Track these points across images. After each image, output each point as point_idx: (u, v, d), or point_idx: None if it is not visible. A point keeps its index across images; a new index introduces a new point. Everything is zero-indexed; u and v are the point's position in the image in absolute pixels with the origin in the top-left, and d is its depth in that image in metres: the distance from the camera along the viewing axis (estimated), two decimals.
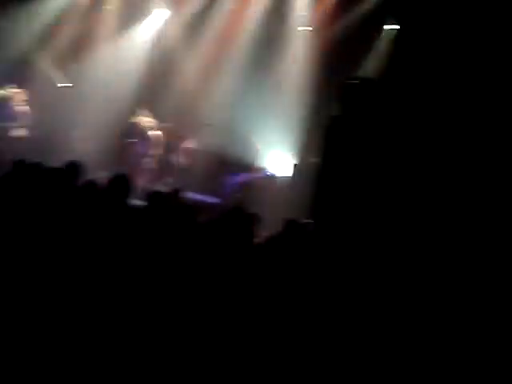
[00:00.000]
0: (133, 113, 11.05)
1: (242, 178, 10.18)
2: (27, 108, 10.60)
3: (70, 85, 11.60)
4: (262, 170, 10.31)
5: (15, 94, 10.53)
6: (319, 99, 9.82)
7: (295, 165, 9.99)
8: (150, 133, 10.85)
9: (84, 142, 11.20)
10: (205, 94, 11.00)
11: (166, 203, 5.22)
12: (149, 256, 4.21)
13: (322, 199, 7.04)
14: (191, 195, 9.42)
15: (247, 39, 11.06)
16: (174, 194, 5.83)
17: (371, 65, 9.91)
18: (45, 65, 11.55)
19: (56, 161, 6.16)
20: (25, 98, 10.60)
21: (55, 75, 11.63)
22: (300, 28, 10.97)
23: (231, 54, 11.13)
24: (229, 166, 10.42)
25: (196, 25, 11.42)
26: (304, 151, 10.06)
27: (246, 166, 10.28)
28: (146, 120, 10.94)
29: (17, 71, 11.02)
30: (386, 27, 10.23)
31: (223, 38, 11.27)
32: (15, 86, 10.57)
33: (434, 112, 7.15)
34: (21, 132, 10.50)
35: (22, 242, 4.12)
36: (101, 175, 8.67)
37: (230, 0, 11.30)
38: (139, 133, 10.87)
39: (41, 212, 4.52)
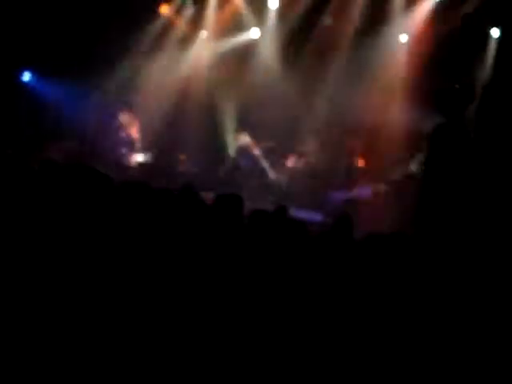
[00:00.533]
0: (235, 132, 11.27)
1: (345, 195, 10.07)
2: (137, 134, 10.95)
3: None
4: (364, 185, 10.16)
5: (129, 119, 10.88)
6: (423, 107, 9.65)
7: (400, 176, 9.84)
8: (254, 151, 11.00)
9: (188, 163, 11.52)
10: (304, 111, 11.07)
11: (270, 221, 5.23)
12: (261, 274, 4.25)
13: (426, 211, 6.86)
14: (295, 213, 9.45)
15: (345, 52, 11.11)
16: (281, 211, 5.82)
17: (478, 70, 9.64)
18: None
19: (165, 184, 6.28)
20: (137, 125, 10.95)
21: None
22: (399, 36, 10.85)
23: (330, 69, 11.18)
24: (331, 183, 10.40)
25: (292, 42, 11.56)
26: (408, 162, 9.88)
27: (349, 182, 10.19)
28: (248, 139, 11.10)
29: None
30: (491, 31, 9.94)
31: (321, 53, 11.32)
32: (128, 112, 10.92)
33: None
34: (137, 158, 10.85)
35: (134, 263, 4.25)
36: (208, 195, 8.88)
37: (327, 16, 11.36)
38: (244, 151, 11.04)
39: (157, 233, 4.66)
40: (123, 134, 10.82)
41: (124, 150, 10.77)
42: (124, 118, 10.83)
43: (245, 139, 11.06)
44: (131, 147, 10.84)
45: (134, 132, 10.90)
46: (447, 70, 9.70)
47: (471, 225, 6.28)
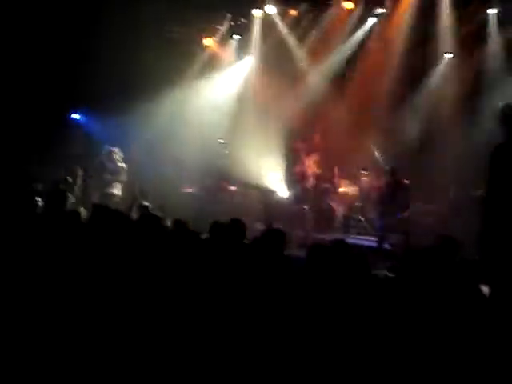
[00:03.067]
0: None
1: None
2: (124, 165, 10.80)
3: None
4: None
5: (115, 151, 10.80)
6: (476, 127, 9.37)
7: (454, 197, 9.56)
8: (308, 179, 10.85)
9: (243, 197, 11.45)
10: (353, 135, 10.88)
11: (329, 256, 5.06)
12: (318, 310, 4.10)
13: (492, 236, 6.55)
14: (355, 241, 9.25)
15: (392, 72, 10.96)
16: (339, 245, 5.60)
17: None
18: None
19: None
20: (121, 156, 10.83)
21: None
22: (445, 55, 10.61)
23: (377, 92, 11.05)
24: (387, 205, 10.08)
25: (339, 68, 11.51)
26: (465, 183, 9.57)
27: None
28: (311, 164, 10.99)
29: None
30: None
31: (368, 76, 11.21)
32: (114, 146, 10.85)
33: None
34: (116, 189, 10.70)
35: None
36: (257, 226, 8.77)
37: (371, 39, 11.31)
38: (301, 179, 10.93)
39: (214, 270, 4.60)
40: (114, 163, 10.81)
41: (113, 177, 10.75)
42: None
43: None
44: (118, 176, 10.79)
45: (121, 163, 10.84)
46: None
47: None
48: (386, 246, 9.12)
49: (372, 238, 9.81)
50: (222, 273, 4.57)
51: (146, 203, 8.13)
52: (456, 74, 10.55)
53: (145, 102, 11.11)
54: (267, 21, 11.82)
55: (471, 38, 10.34)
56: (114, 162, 10.70)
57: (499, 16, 10.17)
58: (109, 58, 10.83)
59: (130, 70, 11.00)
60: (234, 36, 12.30)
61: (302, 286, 4.45)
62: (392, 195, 9.36)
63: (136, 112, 11.01)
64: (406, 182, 9.47)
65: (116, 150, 10.80)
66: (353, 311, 4.09)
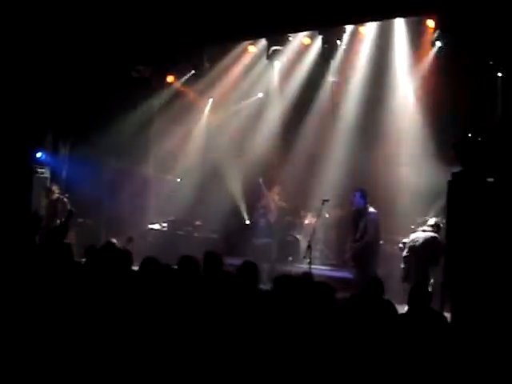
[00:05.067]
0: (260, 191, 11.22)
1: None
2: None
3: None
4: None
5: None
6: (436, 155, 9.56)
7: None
8: (272, 213, 10.89)
9: (207, 231, 11.46)
10: (318, 170, 11.06)
11: (296, 287, 5.11)
12: (282, 341, 4.12)
13: (454, 262, 6.72)
14: (320, 271, 9.30)
15: (351, 110, 11.13)
16: (305, 276, 5.68)
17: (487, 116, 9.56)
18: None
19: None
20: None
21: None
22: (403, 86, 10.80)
23: (339, 126, 11.21)
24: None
25: (300, 103, 11.67)
26: (427, 211, 9.72)
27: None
28: (275, 197, 11.02)
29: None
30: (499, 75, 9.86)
31: (328, 113, 11.42)
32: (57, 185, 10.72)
33: None
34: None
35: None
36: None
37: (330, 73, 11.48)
38: (265, 212, 10.97)
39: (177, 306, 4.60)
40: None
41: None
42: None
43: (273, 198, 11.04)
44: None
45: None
46: (456, 116, 9.63)
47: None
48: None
49: (337, 268, 9.87)
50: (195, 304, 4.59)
51: (114, 240, 8.07)
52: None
53: (107, 139, 11.10)
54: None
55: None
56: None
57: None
58: (73, 98, 10.85)
59: (94, 110, 11.03)
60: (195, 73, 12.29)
61: (269, 318, 4.48)
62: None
63: (97, 150, 11.00)
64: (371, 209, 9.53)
65: (54, 187, 10.65)
66: (319, 342, 4.13)
